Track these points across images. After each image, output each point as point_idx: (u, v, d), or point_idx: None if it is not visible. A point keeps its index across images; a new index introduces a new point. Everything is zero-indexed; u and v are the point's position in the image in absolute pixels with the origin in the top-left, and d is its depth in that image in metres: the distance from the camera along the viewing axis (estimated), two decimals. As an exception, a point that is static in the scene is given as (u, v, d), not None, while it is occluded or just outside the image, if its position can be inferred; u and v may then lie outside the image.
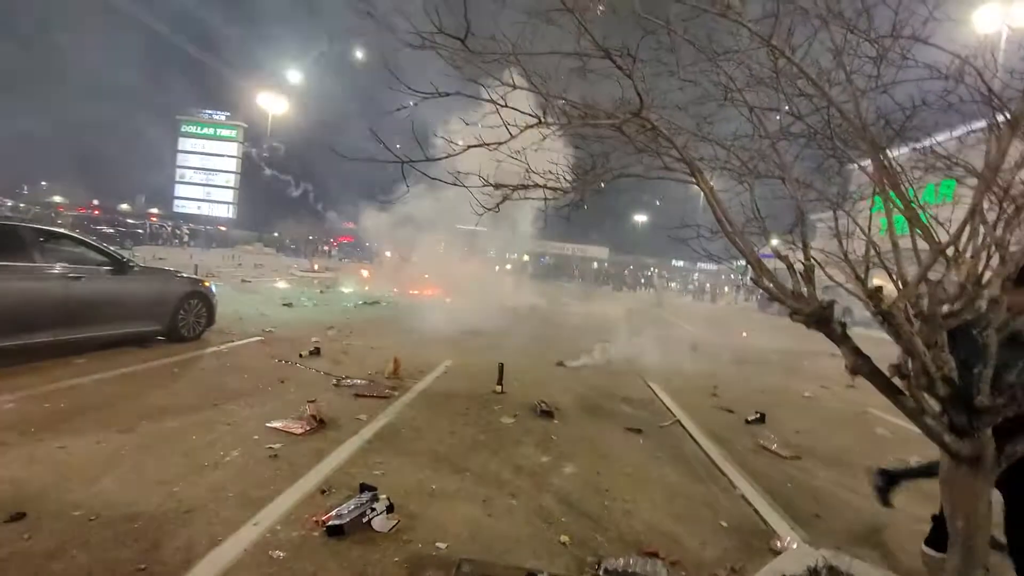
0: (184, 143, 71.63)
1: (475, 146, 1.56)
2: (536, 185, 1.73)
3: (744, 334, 15.25)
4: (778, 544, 2.87)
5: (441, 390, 5.53)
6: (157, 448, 3.36)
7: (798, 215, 1.80)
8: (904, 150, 1.83)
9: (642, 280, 41.36)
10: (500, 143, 1.57)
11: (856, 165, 1.84)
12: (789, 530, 3.08)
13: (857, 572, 2.26)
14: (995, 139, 1.41)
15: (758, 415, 5.49)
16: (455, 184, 1.69)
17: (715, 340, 12.83)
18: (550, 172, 1.76)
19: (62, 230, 5.71)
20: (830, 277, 2.16)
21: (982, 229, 1.46)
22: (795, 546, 2.79)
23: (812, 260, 1.67)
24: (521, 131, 1.53)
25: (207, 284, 7.01)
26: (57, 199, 54.33)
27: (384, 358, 6.26)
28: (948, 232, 1.71)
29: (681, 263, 68.07)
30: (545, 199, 1.80)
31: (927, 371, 1.36)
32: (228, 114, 69.65)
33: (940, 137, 2.54)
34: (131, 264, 5.91)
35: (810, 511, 3.41)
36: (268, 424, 3.93)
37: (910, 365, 1.54)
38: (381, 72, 1.45)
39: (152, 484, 2.88)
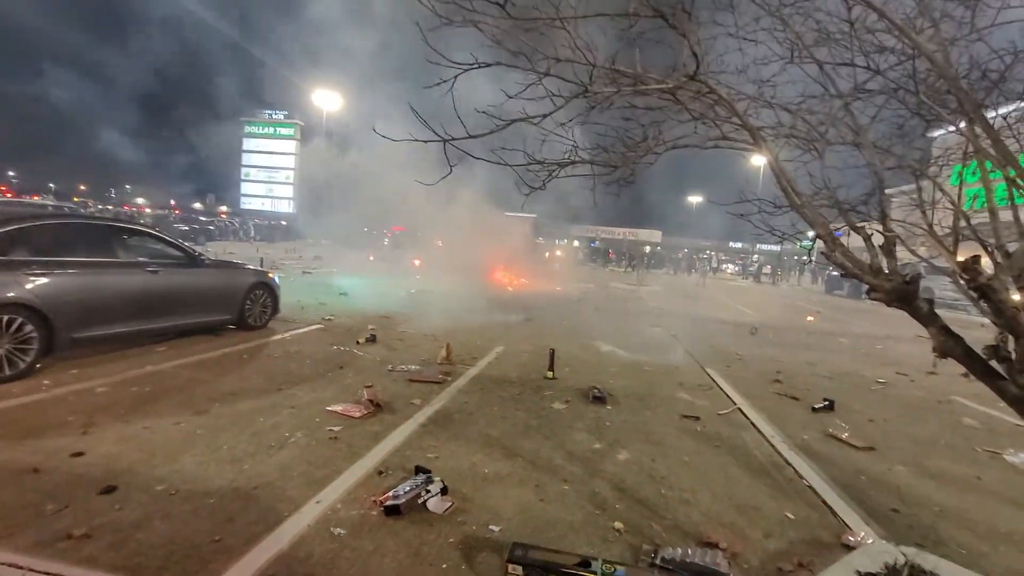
0: (247, 143, 75.68)
1: (518, 120, 1.50)
2: (583, 161, 1.66)
3: (809, 317, 14.41)
4: (851, 539, 2.69)
5: (493, 375, 5.57)
6: (229, 429, 3.57)
7: (876, 182, 1.63)
8: (1008, 108, 1.60)
9: (705, 263, 39.92)
10: (545, 115, 1.50)
11: (946, 124, 1.63)
12: (863, 524, 2.88)
13: (944, 572, 2.07)
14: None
15: (826, 403, 5.17)
16: (499, 163, 1.64)
17: (777, 324, 12.21)
18: (598, 145, 1.68)
19: (143, 227, 6.16)
20: (913, 252, 1.97)
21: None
22: (871, 541, 2.61)
23: (892, 231, 1.51)
24: (567, 101, 1.46)
25: (271, 275, 7.37)
26: (140, 200, 59.02)
27: (437, 345, 6.38)
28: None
29: (739, 244, 65.17)
30: (593, 175, 1.72)
31: (1035, 352, 1.20)
32: (286, 112, 72.78)
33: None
34: (203, 258, 6.30)
35: (887, 505, 3.18)
36: (328, 408, 4.09)
37: (1011, 346, 1.37)
38: (421, 51, 1.43)
39: (225, 463, 3.07)
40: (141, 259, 5.48)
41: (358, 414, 4.00)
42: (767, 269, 37.08)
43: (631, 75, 1.51)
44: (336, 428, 3.71)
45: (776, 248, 51.06)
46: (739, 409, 4.96)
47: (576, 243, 57.18)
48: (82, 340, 4.80)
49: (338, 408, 4.08)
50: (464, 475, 3.15)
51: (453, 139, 1.48)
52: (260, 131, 75.22)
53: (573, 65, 1.45)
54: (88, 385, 4.27)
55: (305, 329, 7.33)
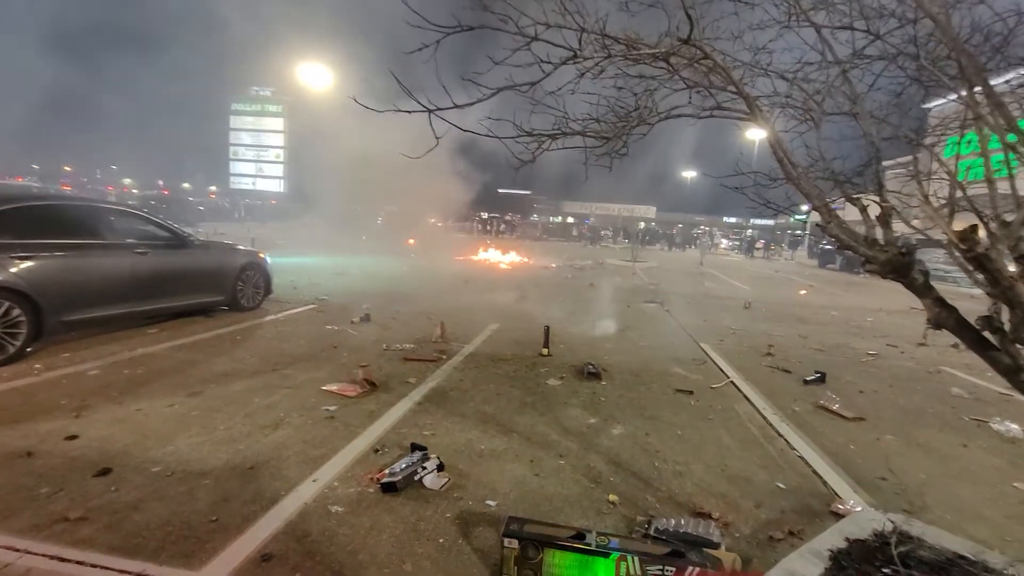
0: (234, 121, 74.08)
1: (506, 88, 1.45)
2: (573, 132, 1.61)
3: (802, 291, 14.50)
4: (840, 507, 2.74)
5: (487, 353, 5.58)
6: (223, 410, 3.57)
7: (873, 153, 1.59)
8: (1009, 76, 1.56)
9: (695, 238, 39.80)
10: (533, 83, 1.45)
11: (945, 92, 1.60)
12: (852, 493, 2.94)
13: (931, 538, 2.11)
14: None
15: (817, 375, 5.23)
16: (487, 135, 1.59)
17: (770, 298, 12.28)
18: (589, 115, 1.63)
19: (131, 208, 6.04)
20: (907, 223, 1.95)
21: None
22: (859, 509, 2.66)
23: (888, 203, 1.49)
24: (555, 67, 1.41)
25: (263, 256, 7.29)
26: (127, 181, 57.96)
27: (431, 323, 6.37)
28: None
29: (733, 219, 65.19)
30: (585, 147, 1.68)
31: (1030, 322, 1.19)
32: (273, 89, 71.10)
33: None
34: (193, 239, 6.21)
35: (875, 474, 3.24)
36: (323, 387, 4.09)
37: (1005, 317, 1.36)
38: (404, 14, 1.36)
39: (220, 443, 3.07)
40: (129, 240, 5.38)
41: (353, 393, 4.01)
42: (760, 244, 37.11)
43: (623, 41, 1.46)
44: (332, 407, 3.71)
45: (770, 222, 51.09)
46: (732, 382, 5.01)
47: (571, 220, 56.98)
48: (72, 323, 4.75)
49: (333, 387, 4.08)
50: (460, 451, 3.17)
51: (438, 108, 1.43)
52: (247, 108, 73.58)
53: (562, 31, 1.40)
54: (80, 368, 4.25)
55: (299, 309, 7.29)
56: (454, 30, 1.35)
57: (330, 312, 7.21)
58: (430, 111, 1.45)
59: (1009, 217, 1.51)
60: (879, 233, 1.44)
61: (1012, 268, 1.22)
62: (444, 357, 5.23)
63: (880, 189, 1.52)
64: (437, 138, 1.56)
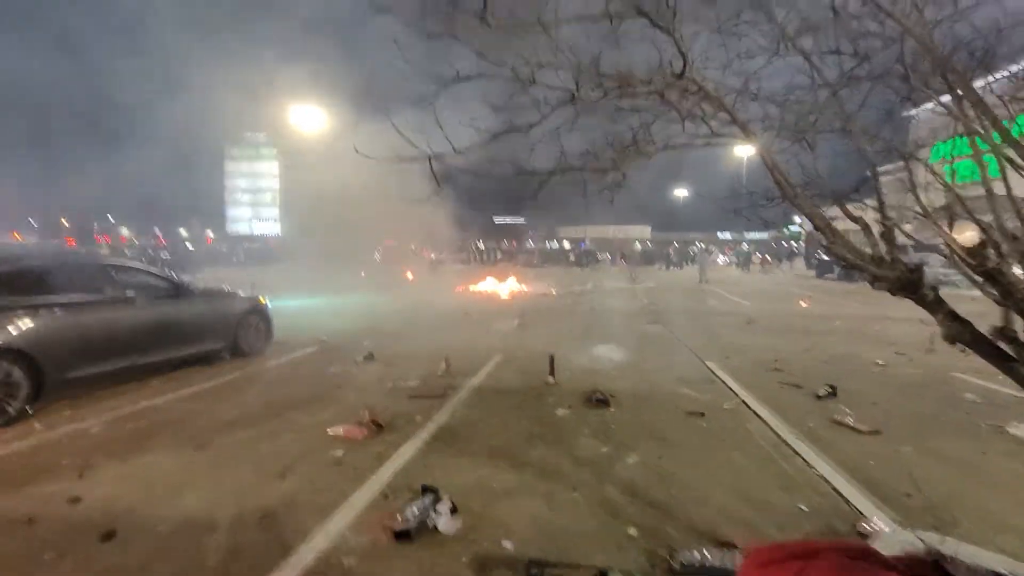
0: (230, 166, 75.33)
1: (504, 132, 1.48)
2: (572, 167, 1.63)
3: (803, 303, 14.49)
4: (866, 527, 2.66)
5: (494, 385, 5.52)
6: (230, 461, 3.50)
7: (870, 170, 1.61)
8: (989, 79, 1.60)
9: (691, 255, 39.94)
10: (532, 125, 1.48)
11: (935, 103, 1.62)
12: (876, 511, 2.86)
13: (966, 556, 2.05)
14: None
15: (829, 388, 5.16)
16: (486, 175, 1.61)
17: (772, 311, 12.26)
18: (588, 151, 1.66)
19: (128, 261, 6.07)
20: (907, 235, 1.96)
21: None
22: (887, 529, 2.58)
23: (891, 219, 1.50)
24: (553, 109, 1.44)
25: (263, 300, 7.29)
26: (124, 231, 58.44)
27: (435, 358, 6.32)
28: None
29: (728, 235, 65.71)
30: (585, 181, 1.70)
31: (1047, 333, 1.18)
32: (267, 134, 72.47)
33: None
34: (192, 287, 6.22)
35: (899, 489, 3.16)
36: (329, 431, 4.02)
37: (1018, 326, 1.35)
38: (403, 68, 1.41)
39: (228, 496, 3.00)
40: (129, 293, 5.38)
41: (360, 435, 3.94)
42: (755, 257, 37.25)
43: (617, 77, 1.49)
44: (339, 452, 3.64)
45: (765, 235, 51.45)
46: (743, 401, 4.94)
47: (567, 244, 57.34)
48: (73, 380, 4.70)
49: (340, 430, 4.02)
50: (472, 490, 3.10)
51: (439, 156, 1.46)
52: (242, 153, 74.91)
53: (558, 71, 1.43)
54: (82, 426, 4.18)
55: (301, 352, 7.24)
56: (453, 81, 1.38)
57: (332, 353, 7.16)
58: (430, 158, 1.47)
59: (1009, 223, 1.52)
60: (884, 250, 1.44)
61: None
62: (450, 392, 5.17)
63: (881, 205, 1.53)
64: (439, 183, 1.58)
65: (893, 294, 1.41)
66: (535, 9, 1.37)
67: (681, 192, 59.49)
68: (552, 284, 20.14)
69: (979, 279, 1.27)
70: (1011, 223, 1.50)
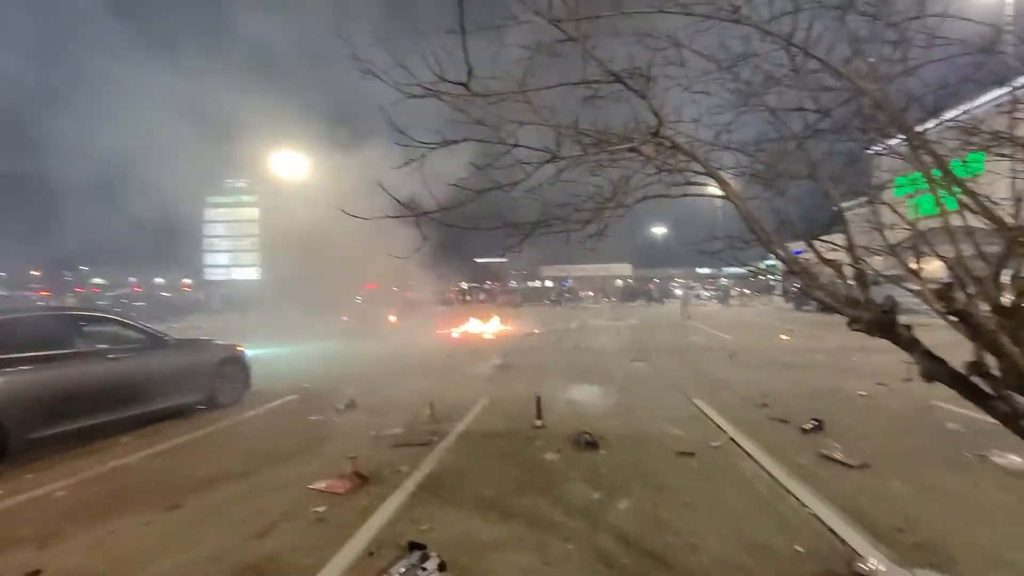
0: (209, 213, 75.02)
1: (488, 189, 1.52)
2: (556, 219, 1.68)
3: (784, 336, 14.70)
4: (863, 567, 2.63)
5: (480, 430, 5.41)
6: (206, 522, 3.33)
7: (837, 214, 1.69)
8: (933, 125, 1.71)
9: (671, 291, 40.60)
10: (515, 183, 1.53)
11: (889, 152, 1.73)
12: (872, 549, 2.83)
13: (962, 595, 2.03)
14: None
15: (815, 423, 5.18)
16: (473, 229, 1.65)
17: (753, 346, 12.40)
18: (568, 204, 1.71)
19: (100, 312, 5.91)
20: (878, 273, 2.03)
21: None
22: (883, 569, 2.55)
23: (863, 261, 1.56)
24: (536, 168, 1.49)
25: (240, 349, 7.12)
26: (98, 281, 57.08)
27: (420, 403, 6.20)
28: (1007, 212, 1.58)
29: (707, 270, 66.99)
30: (568, 231, 1.74)
31: (1019, 371, 1.22)
32: (248, 181, 72.70)
33: (977, 105, 2.40)
34: (167, 338, 6.06)
35: (891, 524, 3.14)
36: (311, 486, 3.87)
37: (991, 363, 1.40)
38: (387, 129, 1.45)
39: (204, 561, 2.84)
40: (101, 346, 5.22)
41: (343, 489, 3.80)
42: (734, 292, 37.94)
43: (595, 135, 1.56)
44: (321, 508, 3.50)
45: (743, 271, 52.70)
46: (732, 439, 4.92)
47: (549, 283, 57.78)
48: (38, 441, 4.48)
49: (321, 485, 3.87)
50: (461, 544, 2.98)
51: (426, 213, 1.49)
52: (222, 200, 74.81)
53: (539, 129, 1.49)
54: (46, 490, 3.95)
55: (280, 401, 7.04)
56: (438, 145, 1.43)
57: (313, 401, 6.98)
58: (417, 215, 1.50)
59: (971, 263, 1.59)
60: (859, 292, 1.50)
61: (995, 319, 1.27)
62: (436, 439, 5.05)
63: (851, 248, 1.60)
64: (425, 238, 1.61)
65: (870, 334, 1.45)
66: (517, 76, 1.45)
67: (660, 230, 60.89)
68: (536, 323, 20.15)
69: (951, 318, 1.32)
70: (971, 261, 1.57)
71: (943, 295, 1.26)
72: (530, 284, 61.69)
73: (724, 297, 36.17)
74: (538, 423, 5.48)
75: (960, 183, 1.41)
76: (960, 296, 1.28)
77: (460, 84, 1.37)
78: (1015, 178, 1.43)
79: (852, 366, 9.20)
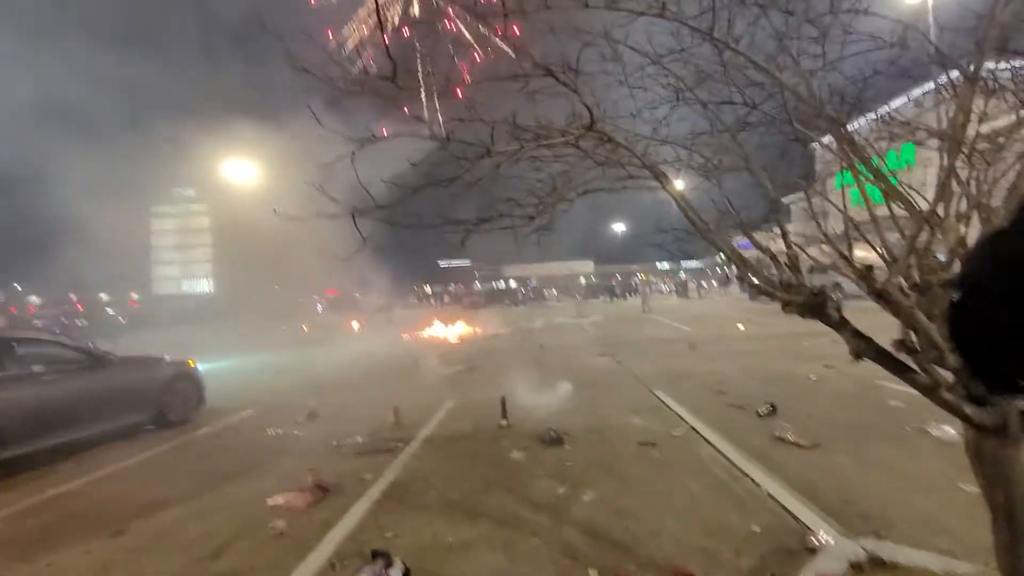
0: (156, 223, 71.53)
1: (424, 186, 1.51)
2: (498, 215, 1.68)
3: (740, 326, 15.24)
4: (814, 541, 2.74)
5: (446, 433, 5.37)
6: (152, 548, 3.16)
7: (771, 204, 1.76)
8: (862, 121, 1.82)
9: (633, 286, 41.39)
10: (452, 179, 1.51)
11: (818, 144, 1.82)
12: (821, 523, 2.96)
13: (903, 559, 2.16)
14: (954, 98, 1.40)
15: (769, 407, 5.39)
16: (414, 227, 1.63)
17: (712, 336, 12.79)
18: (511, 199, 1.71)
19: (31, 334, 5.54)
20: (813, 259, 2.13)
21: (958, 190, 1.43)
22: (831, 541, 2.67)
23: (794, 247, 1.63)
24: (472, 163, 1.49)
25: (192, 364, 6.82)
26: (33, 299, 53.38)
27: (384, 409, 6.09)
28: (924, 198, 1.68)
29: (667, 265, 68.66)
30: (514, 227, 1.75)
31: (935, 344, 1.30)
32: (196, 188, 69.69)
33: (897, 102, 2.56)
34: (108, 357, 5.74)
35: (839, 499, 3.30)
36: (269, 501, 3.74)
37: (915, 338, 1.48)
38: (323, 123, 1.41)
39: (150, 589, 2.69)
40: (35, 368, 4.89)
41: (304, 503, 3.68)
42: (692, 285, 38.99)
43: (532, 130, 1.57)
44: (279, 523, 3.38)
45: (698, 264, 54.20)
46: (691, 427, 5.06)
47: (513, 284, 57.98)
48: (-36, 473, 4.15)
49: (280, 500, 3.74)
50: (427, 549, 2.95)
51: (361, 212, 1.46)
52: (170, 210, 71.46)
53: (477, 124, 1.48)
54: (-26, 526, 3.66)
55: (236, 416, 6.78)
56: (368, 141, 1.40)
57: (272, 415, 6.75)
58: (353, 215, 1.47)
59: (896, 250, 1.69)
60: (792, 276, 1.56)
61: (914, 296, 1.35)
62: (400, 445, 4.97)
63: (784, 236, 1.67)
64: (364, 238, 1.57)
65: (803, 316, 1.52)
66: (448, 72, 1.44)
67: (619, 227, 61.92)
68: (501, 324, 20.16)
69: (874, 297, 1.39)
70: (898, 244, 1.67)
71: (863, 276, 1.33)
72: (494, 285, 61.68)
73: (683, 291, 37.14)
74: (504, 423, 5.48)
75: (877, 173, 1.50)
76: (878, 276, 1.35)
77: (387, 78, 1.35)
78: (925, 168, 1.54)
79: (803, 351, 9.62)
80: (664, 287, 51.58)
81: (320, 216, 1.51)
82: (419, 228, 1.63)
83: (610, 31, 1.56)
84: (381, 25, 1.22)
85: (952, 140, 1.27)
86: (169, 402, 6.20)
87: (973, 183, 1.61)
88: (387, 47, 1.29)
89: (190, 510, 3.71)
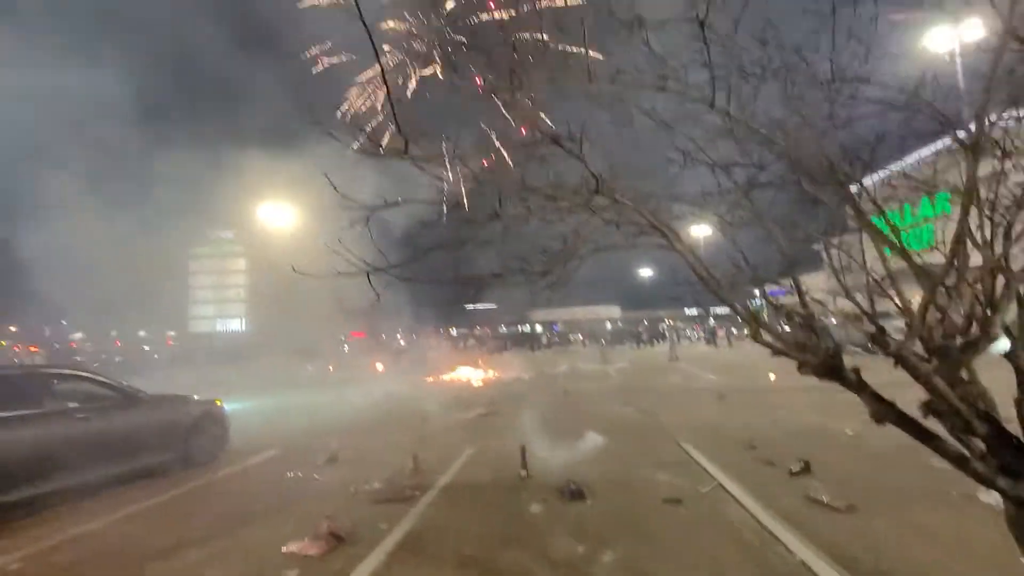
0: (194, 265, 74.61)
1: (435, 247, 1.58)
2: (512, 270, 1.72)
3: (771, 376, 14.71)
4: (852, 617, 2.55)
5: (465, 482, 5.27)
6: (167, 593, 3.15)
7: (787, 259, 1.75)
8: (876, 178, 1.82)
9: (660, 332, 40.65)
10: (463, 241, 1.58)
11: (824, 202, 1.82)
12: (860, 596, 2.75)
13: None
14: (963, 161, 1.40)
15: (802, 464, 5.13)
16: (429, 281, 1.69)
17: (741, 386, 12.37)
18: (521, 256, 1.76)
19: (70, 370, 5.77)
20: (831, 313, 2.08)
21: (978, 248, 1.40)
22: (871, 618, 2.48)
23: (809, 306, 1.60)
24: (482, 225, 1.55)
25: (219, 403, 6.96)
26: (77, 335, 55.67)
27: (404, 455, 6.04)
28: (945, 254, 1.65)
29: (695, 311, 67.34)
30: (527, 283, 1.78)
31: (957, 410, 1.25)
32: (234, 231, 72.76)
33: (911, 158, 2.55)
34: (140, 395, 5.91)
35: (876, 568, 3.07)
36: (284, 548, 3.71)
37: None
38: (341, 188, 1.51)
39: (160, 637, 2.67)
40: (70, 405, 5.07)
41: (318, 550, 3.63)
42: (721, 332, 38.04)
43: (541, 190, 1.63)
44: (293, 572, 3.33)
45: (727, 311, 53.06)
46: (719, 484, 4.84)
47: (539, 328, 57.71)
48: (-4, 508, 4.26)
49: (294, 547, 3.70)
50: (439, 608, 2.85)
51: (377, 269, 1.53)
52: (208, 252, 74.64)
53: (487, 184, 1.56)
54: (1, 561, 3.73)
55: (259, 457, 6.82)
56: (380, 208, 1.48)
57: (293, 457, 6.76)
58: (368, 272, 1.54)
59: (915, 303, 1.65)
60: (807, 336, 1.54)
61: (934, 361, 1.31)
62: (418, 493, 4.89)
63: (799, 294, 1.65)
64: (377, 295, 1.64)
65: (819, 378, 1.48)
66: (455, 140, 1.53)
67: (647, 272, 61.52)
68: (524, 368, 19.98)
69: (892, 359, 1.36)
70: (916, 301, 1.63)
71: (876, 339, 1.30)
72: (520, 328, 61.51)
73: (712, 338, 36.25)
74: (523, 473, 5.35)
75: (879, 233, 1.49)
76: (891, 339, 1.32)
77: (398, 149, 1.45)
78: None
79: (836, 403, 9.16)
80: (692, 334, 50.46)
81: (336, 275, 1.59)
82: (434, 283, 1.69)
83: (620, 96, 1.63)
84: (391, 102, 1.32)
85: (963, 204, 1.26)
86: (195, 442, 6.29)
87: (998, 243, 1.57)
88: (397, 122, 1.39)
89: (206, 553, 3.70)
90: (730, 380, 13.80)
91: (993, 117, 1.35)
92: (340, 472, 5.87)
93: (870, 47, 1.58)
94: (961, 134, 1.36)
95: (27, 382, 4.93)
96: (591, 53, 1.43)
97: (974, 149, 1.25)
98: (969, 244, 1.51)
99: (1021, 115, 1.45)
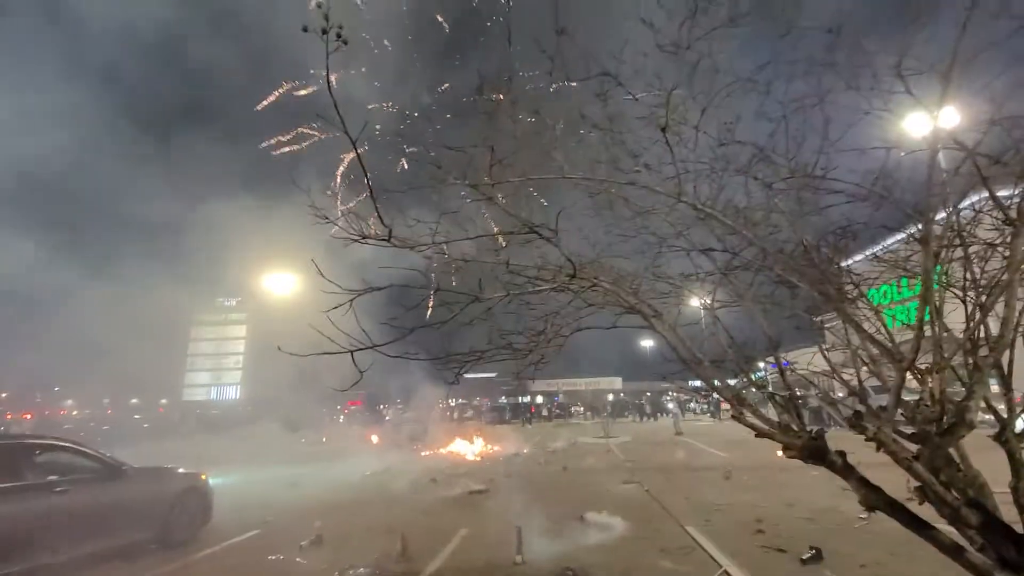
0: (195, 332, 74.43)
1: (419, 327, 1.62)
2: (492, 349, 1.75)
3: (780, 452, 14.19)
4: None
5: (455, 567, 4.96)
6: None
7: (768, 340, 1.78)
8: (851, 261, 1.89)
9: (668, 405, 39.61)
10: (443, 323, 1.63)
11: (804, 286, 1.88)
12: None
13: None
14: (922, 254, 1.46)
15: (813, 551, 4.84)
16: (413, 359, 1.71)
17: (748, 463, 11.91)
18: (502, 337, 1.80)
19: (53, 440, 5.60)
20: (808, 397, 2.07)
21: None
22: None
23: (792, 387, 1.61)
24: (462, 308, 1.61)
25: (204, 477, 6.70)
26: (68, 402, 54.41)
27: (394, 535, 5.73)
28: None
29: (698, 383, 66.07)
30: (513, 359, 1.81)
31: (943, 498, 1.22)
32: (239, 299, 73.29)
33: (894, 239, 2.64)
34: (123, 467, 5.70)
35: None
36: (257, 643, 3.43)
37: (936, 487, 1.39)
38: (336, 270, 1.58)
39: None
40: (50, 477, 4.88)
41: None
42: (725, 405, 37.11)
43: (522, 273, 1.70)
44: (263, 671, 3.07)
45: (732, 383, 52.15)
46: (726, 572, 4.55)
47: (540, 399, 56.50)
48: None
49: (268, 642, 3.43)
50: None
51: (359, 348, 1.56)
52: (211, 319, 74.78)
53: (469, 266, 1.63)
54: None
55: (240, 537, 6.46)
56: (364, 291, 1.55)
57: (276, 536, 6.41)
58: (352, 351, 1.57)
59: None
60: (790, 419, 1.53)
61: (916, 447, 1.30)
62: (405, 580, 4.60)
63: (782, 375, 1.66)
64: (361, 372, 1.66)
65: (804, 461, 1.46)
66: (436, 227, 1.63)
67: (647, 343, 61.13)
68: (523, 441, 19.35)
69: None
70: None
71: (855, 424, 1.30)
72: (520, 399, 60.15)
73: (716, 411, 35.30)
74: (518, 559, 5.05)
75: (851, 319, 1.53)
76: (869, 426, 1.31)
77: (383, 239, 1.53)
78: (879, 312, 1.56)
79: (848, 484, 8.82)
80: (696, 406, 49.22)
81: (322, 353, 1.62)
82: (419, 360, 1.72)
83: (595, 189, 1.75)
84: (371, 190, 1.41)
85: (921, 298, 1.30)
86: (175, 520, 5.98)
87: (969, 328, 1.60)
88: (379, 216, 1.48)
89: (172, 649, 3.43)
90: (736, 456, 13.30)
91: (943, 213, 1.43)
92: (324, 554, 5.54)
93: (833, 142, 1.71)
94: (913, 229, 1.44)
95: (8, 453, 4.77)
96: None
97: (922, 242, 1.32)
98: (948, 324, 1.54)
99: (974, 207, 1.54)
